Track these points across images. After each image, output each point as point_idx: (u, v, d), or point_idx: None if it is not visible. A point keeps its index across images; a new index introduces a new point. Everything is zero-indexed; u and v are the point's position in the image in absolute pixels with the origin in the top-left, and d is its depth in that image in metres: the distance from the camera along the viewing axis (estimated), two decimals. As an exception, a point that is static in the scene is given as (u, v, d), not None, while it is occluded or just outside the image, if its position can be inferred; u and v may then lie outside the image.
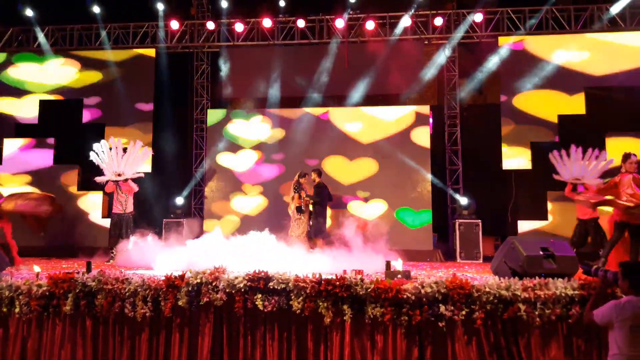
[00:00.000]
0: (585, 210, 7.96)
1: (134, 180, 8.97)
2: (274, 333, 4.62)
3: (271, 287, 4.54)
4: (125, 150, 9.08)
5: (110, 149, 8.99)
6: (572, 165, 8.44)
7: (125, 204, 8.80)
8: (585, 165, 8.36)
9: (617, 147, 9.24)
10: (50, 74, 11.75)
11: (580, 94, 10.26)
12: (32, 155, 11.44)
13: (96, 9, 11.44)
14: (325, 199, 9.23)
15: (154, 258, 6.90)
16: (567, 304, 4.36)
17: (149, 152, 9.34)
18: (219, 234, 7.57)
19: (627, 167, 6.72)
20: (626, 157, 6.81)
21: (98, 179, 9.04)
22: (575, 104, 10.24)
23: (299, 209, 8.96)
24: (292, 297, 4.52)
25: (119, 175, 8.84)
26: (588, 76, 10.31)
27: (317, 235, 8.94)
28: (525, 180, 10.32)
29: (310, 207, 9.04)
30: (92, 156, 8.99)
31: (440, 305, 4.38)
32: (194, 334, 4.71)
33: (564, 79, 10.33)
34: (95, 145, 9.03)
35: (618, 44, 10.31)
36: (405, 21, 10.97)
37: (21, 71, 11.82)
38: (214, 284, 4.61)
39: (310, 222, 9.03)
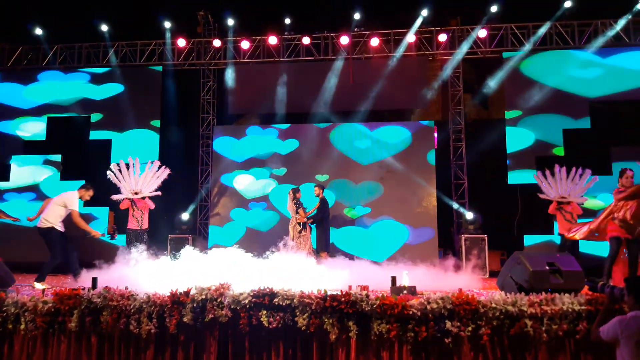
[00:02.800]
0: (567, 226, 8.20)
1: (151, 198, 9.17)
2: (279, 350, 4.58)
3: (276, 303, 4.50)
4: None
5: (128, 167, 9.20)
6: (557, 184, 8.75)
7: (142, 220, 8.99)
8: (570, 183, 8.65)
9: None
10: (59, 91, 11.87)
11: (585, 108, 10.27)
12: (38, 172, 11.53)
13: (104, 28, 11.62)
14: (328, 212, 9.28)
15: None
16: (575, 319, 4.31)
17: (166, 171, 9.49)
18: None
19: (623, 182, 6.63)
20: (622, 172, 6.72)
21: (115, 196, 9.21)
22: (580, 118, 10.24)
23: (303, 225, 8.99)
24: (297, 313, 4.48)
25: (136, 193, 9.06)
26: (592, 91, 10.32)
27: (324, 249, 8.98)
28: (531, 195, 10.27)
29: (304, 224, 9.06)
30: (109, 174, 9.20)
31: (447, 321, 4.34)
32: (199, 350, 4.67)
33: (568, 94, 10.35)
34: (113, 165, 9.27)
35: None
36: (410, 37, 11.05)
37: (29, 89, 11.97)
38: (218, 300, 4.58)
39: (317, 236, 9.09)
